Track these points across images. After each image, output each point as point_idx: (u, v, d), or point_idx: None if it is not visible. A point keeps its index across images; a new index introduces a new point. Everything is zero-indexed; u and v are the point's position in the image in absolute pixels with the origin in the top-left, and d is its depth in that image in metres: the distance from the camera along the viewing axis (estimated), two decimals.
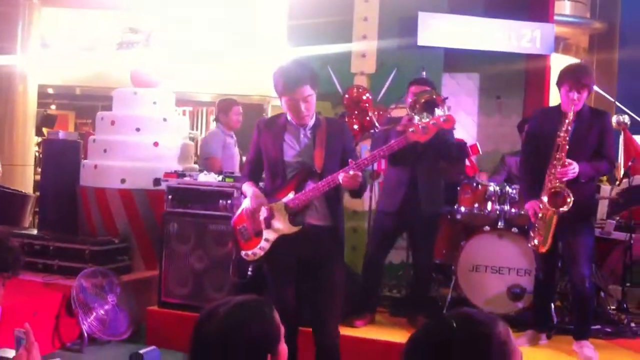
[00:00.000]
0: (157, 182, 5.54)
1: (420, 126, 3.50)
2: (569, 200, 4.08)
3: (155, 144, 6.13)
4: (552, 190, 4.14)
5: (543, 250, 4.24)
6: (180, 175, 5.49)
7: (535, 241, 4.24)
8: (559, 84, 4.30)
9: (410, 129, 3.53)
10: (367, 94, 5.74)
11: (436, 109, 3.65)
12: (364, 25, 6.05)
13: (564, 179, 4.13)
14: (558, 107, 4.38)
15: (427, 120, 3.51)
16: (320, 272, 3.60)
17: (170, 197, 5.36)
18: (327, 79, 5.72)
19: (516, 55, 6.46)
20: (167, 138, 6.25)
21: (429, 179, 4.80)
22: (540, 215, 4.20)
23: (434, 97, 4.65)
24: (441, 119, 3.50)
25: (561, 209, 4.09)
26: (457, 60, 6.41)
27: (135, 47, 10.08)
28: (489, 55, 6.37)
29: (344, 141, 3.68)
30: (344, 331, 3.93)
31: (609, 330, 4.79)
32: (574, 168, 4.12)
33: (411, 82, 5.04)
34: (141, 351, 3.46)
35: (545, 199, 4.16)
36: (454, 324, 1.55)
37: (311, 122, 3.62)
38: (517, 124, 6.09)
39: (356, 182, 3.45)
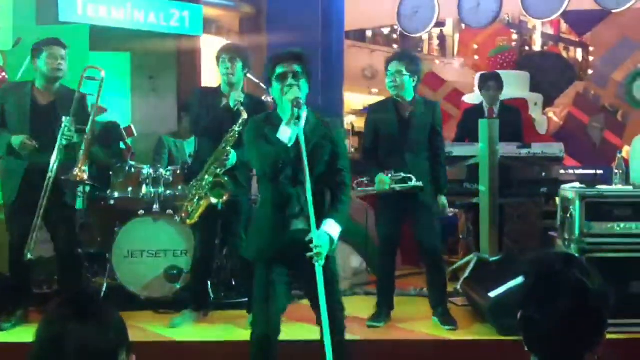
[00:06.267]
0: None
1: None
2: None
3: None
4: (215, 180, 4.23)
5: (189, 223, 4.35)
6: None
7: (183, 215, 4.34)
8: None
9: None
10: (3, 73, 5.21)
11: None
12: None
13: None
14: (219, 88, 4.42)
15: None
16: None
17: None
18: None
19: (168, 35, 6.42)
20: None
21: None
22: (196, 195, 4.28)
23: None
24: None
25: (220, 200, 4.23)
26: (106, 38, 6.12)
27: None
28: (140, 33, 6.22)
29: None
30: None
31: None
32: None
33: None
34: None
35: None
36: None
37: None
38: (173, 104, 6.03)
39: None
